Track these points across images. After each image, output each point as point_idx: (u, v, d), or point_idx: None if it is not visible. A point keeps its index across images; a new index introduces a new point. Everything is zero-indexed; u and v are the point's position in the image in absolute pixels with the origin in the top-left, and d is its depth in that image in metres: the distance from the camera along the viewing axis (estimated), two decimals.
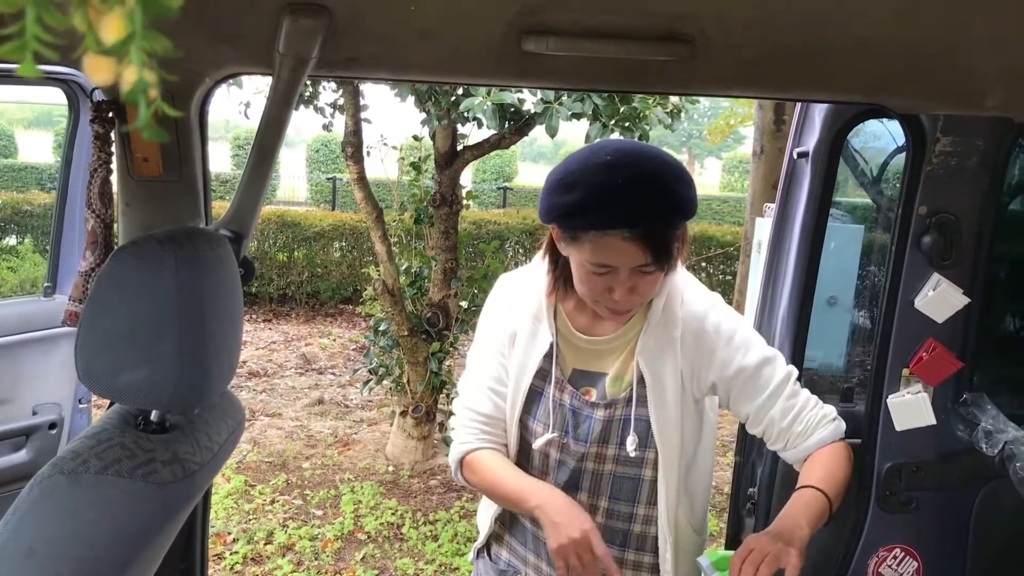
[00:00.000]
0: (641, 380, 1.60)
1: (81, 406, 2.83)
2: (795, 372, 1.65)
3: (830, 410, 1.63)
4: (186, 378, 1.12)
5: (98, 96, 1.44)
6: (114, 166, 1.47)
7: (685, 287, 1.63)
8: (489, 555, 1.84)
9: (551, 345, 1.64)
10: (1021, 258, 2.05)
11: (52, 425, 2.75)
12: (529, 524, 1.75)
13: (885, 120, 1.93)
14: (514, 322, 1.68)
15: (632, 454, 1.61)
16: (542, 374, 1.65)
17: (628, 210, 1.38)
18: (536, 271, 1.68)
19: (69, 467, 1.06)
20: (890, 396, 1.82)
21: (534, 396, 1.66)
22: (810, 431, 1.61)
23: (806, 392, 1.64)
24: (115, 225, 1.50)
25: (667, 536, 1.66)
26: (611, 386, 1.63)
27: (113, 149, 1.45)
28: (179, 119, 1.46)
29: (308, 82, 4.67)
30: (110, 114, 1.41)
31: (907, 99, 1.59)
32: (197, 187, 1.52)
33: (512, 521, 1.80)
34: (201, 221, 1.53)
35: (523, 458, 1.71)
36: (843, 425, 1.63)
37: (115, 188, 1.49)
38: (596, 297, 1.50)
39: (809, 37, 1.32)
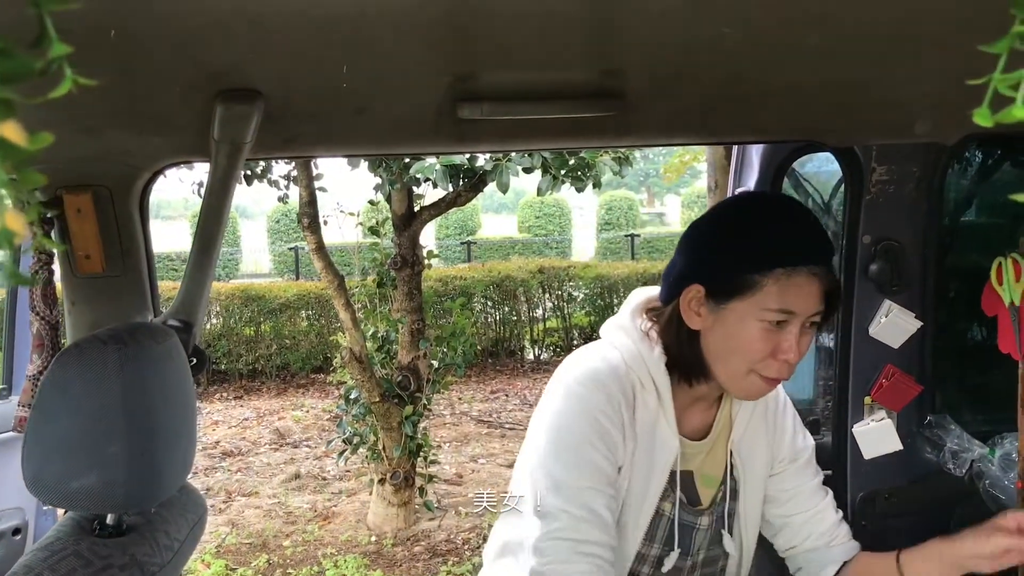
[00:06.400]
0: (733, 473, 1.44)
1: (45, 508, 2.75)
2: None
3: None
4: (138, 478, 1.09)
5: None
6: (56, 265, 1.45)
7: None
8: None
9: (676, 454, 1.37)
10: (969, 275, 2.08)
11: (16, 531, 2.66)
12: None
13: None
14: (622, 423, 1.33)
15: (733, 553, 1.46)
16: (663, 491, 1.38)
17: (813, 244, 1.29)
18: (628, 357, 1.36)
19: None
20: (855, 425, 1.83)
21: (656, 517, 1.38)
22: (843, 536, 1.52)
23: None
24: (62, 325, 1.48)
25: None
26: (704, 487, 1.43)
27: (54, 249, 1.43)
28: (119, 213, 1.45)
29: None
30: (48, 215, 1.40)
31: (839, 133, 1.62)
32: (143, 280, 1.50)
33: None
34: (149, 314, 1.51)
35: None
36: None
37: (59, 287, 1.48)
38: (755, 363, 1.28)
39: (738, 83, 1.34)
